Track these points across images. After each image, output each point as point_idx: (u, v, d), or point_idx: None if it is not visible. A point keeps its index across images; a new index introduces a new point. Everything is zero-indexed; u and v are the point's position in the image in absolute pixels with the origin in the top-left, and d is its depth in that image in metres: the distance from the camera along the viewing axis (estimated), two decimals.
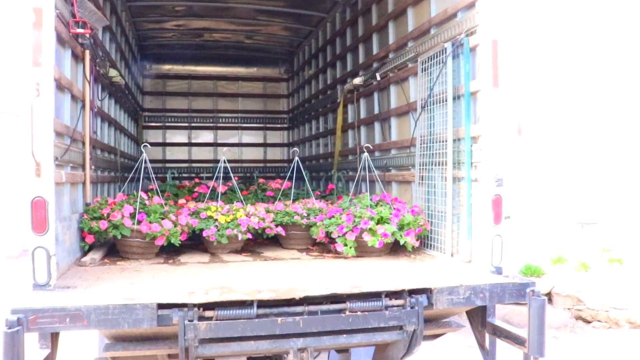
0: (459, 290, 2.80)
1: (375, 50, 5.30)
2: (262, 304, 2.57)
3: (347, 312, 2.64)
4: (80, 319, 2.38)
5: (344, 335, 2.72)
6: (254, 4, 6.44)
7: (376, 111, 5.23)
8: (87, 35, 3.65)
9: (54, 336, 2.61)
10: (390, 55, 4.89)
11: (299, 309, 2.59)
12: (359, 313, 2.65)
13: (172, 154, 8.94)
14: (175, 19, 7.04)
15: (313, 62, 7.70)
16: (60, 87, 3.26)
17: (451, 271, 3.28)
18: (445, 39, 3.79)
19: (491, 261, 3.16)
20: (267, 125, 9.39)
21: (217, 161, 8.34)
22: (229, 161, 4.77)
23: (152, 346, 2.73)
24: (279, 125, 9.46)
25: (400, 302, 2.72)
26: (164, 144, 8.88)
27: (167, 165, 8.61)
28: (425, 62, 4.05)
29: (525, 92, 10.64)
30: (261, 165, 9.19)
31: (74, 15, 3.48)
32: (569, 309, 5.50)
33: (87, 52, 3.85)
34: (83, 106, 3.87)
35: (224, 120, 9.13)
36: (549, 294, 5.69)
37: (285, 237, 4.20)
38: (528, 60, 10.61)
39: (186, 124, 8.96)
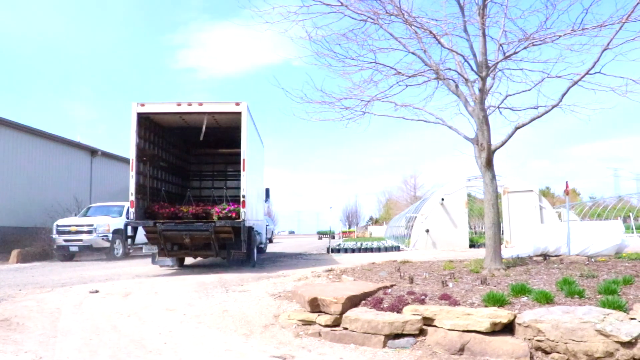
0: (223, 221, 11.83)
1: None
2: (177, 222, 11.85)
3: (195, 223, 11.77)
4: (140, 223, 11.86)
5: (197, 232, 11.75)
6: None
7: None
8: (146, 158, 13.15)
9: (135, 230, 12.13)
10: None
11: (184, 224, 11.80)
12: (200, 224, 11.77)
13: (192, 193, 18.38)
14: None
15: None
16: (138, 173, 12.64)
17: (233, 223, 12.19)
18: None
19: (246, 217, 12.04)
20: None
21: (211, 196, 17.74)
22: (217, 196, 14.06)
23: (154, 235, 11.97)
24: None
25: (211, 224, 11.76)
26: (191, 188, 18.36)
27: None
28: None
29: None
30: (237, 199, 18.44)
31: (141, 153, 12.95)
32: (529, 339, 5.40)
33: (148, 161, 13.28)
34: (146, 177, 13.28)
35: (217, 176, 18.55)
36: (511, 324, 5.65)
37: (206, 218, 13.18)
38: None
39: (197, 179, 18.52)
